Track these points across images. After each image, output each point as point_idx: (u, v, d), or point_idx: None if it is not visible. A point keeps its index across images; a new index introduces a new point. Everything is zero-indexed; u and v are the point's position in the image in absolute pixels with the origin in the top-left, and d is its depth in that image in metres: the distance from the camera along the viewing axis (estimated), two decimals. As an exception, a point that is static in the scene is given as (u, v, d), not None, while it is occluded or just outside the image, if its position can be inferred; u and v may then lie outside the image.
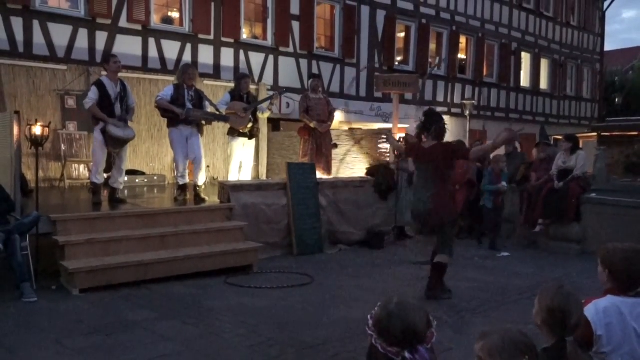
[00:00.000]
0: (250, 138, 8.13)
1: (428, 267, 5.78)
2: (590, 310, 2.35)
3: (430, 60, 16.35)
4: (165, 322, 4.65)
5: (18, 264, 5.16)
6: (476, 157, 6.75)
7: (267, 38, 12.86)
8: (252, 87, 10.06)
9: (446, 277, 5.75)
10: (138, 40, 10.75)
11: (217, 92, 10.53)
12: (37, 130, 6.04)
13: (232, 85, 8.89)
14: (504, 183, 8.55)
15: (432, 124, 5.52)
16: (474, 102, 16.51)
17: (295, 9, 13.11)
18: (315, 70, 13.17)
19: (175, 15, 11.79)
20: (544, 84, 20.81)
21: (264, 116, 8.66)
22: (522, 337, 1.69)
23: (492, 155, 8.68)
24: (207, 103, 7.54)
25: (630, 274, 2.41)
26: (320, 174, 8.55)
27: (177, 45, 11.28)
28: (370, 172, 9.21)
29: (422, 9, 16.04)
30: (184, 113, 7.12)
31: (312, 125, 8.62)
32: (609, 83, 29.48)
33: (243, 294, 5.60)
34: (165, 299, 5.36)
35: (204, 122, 7.54)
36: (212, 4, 11.75)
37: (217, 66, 11.83)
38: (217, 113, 7.64)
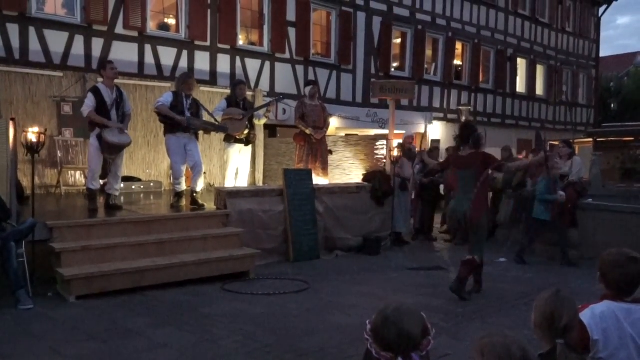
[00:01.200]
0: (246, 144, 8.14)
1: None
2: (587, 315, 2.35)
3: (426, 66, 16.42)
4: (161, 329, 4.64)
5: (14, 271, 5.14)
6: (511, 171, 7.40)
7: (264, 44, 12.87)
8: (249, 93, 10.06)
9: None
10: (134, 46, 10.75)
11: (213, 98, 10.54)
12: (33, 136, 6.02)
13: (228, 91, 8.90)
14: (561, 192, 7.86)
15: (469, 134, 6.07)
16: (470, 108, 16.59)
17: (291, 15, 13.13)
18: (311, 77, 13.18)
19: (171, 21, 11.80)
20: (539, 90, 20.88)
21: (260, 123, 8.68)
22: (519, 351, 1.65)
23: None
24: (204, 112, 7.54)
25: (621, 280, 2.41)
26: (317, 178, 8.56)
27: (173, 51, 11.28)
28: (366, 178, 9.21)
29: (418, 16, 16.10)
30: (186, 121, 7.12)
31: (307, 131, 8.63)
32: (605, 89, 29.59)
33: (240, 301, 5.60)
34: (162, 305, 5.34)
35: (202, 132, 7.55)
36: (209, 10, 11.75)
37: (213, 72, 11.82)
38: (216, 123, 7.64)
